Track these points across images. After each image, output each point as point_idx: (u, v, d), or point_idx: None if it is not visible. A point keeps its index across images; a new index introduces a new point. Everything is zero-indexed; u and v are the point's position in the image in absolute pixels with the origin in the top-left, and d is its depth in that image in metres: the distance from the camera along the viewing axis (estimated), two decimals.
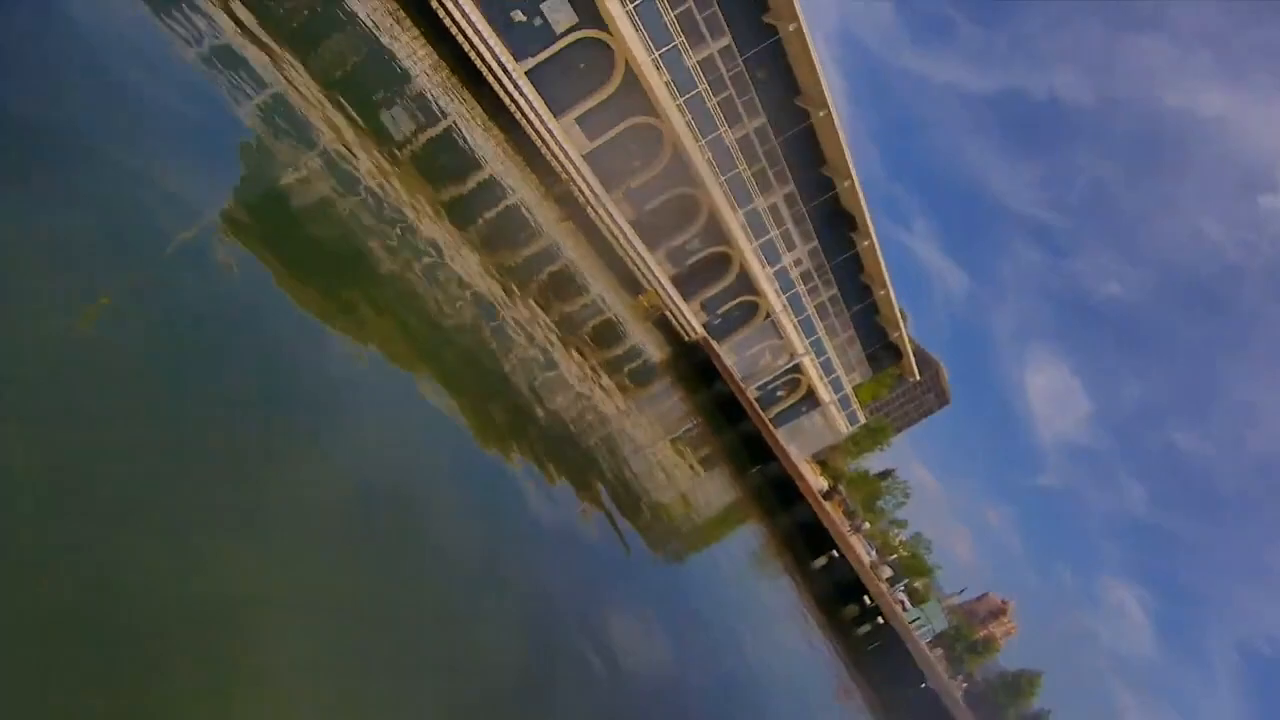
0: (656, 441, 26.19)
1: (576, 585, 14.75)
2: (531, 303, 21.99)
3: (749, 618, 24.24)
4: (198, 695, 6.85)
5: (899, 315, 52.33)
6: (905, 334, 54.28)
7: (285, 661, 7.98)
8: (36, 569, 6.13)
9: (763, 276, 42.15)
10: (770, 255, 42.35)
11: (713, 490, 31.02)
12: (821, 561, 35.57)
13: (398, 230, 16.26)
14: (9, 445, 6.26)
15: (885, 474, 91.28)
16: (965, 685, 67.22)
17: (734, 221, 38.87)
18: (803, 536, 34.51)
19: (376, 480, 11.07)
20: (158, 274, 9.50)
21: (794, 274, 45.00)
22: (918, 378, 63.48)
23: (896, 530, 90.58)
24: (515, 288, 21.27)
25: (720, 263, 41.68)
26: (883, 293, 49.89)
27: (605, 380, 24.65)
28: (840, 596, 34.63)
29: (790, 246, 45.10)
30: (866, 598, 34.57)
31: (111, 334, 8.19)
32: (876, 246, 46.24)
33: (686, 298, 40.34)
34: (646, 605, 17.23)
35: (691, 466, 28.67)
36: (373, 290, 14.49)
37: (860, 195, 42.90)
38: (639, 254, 34.33)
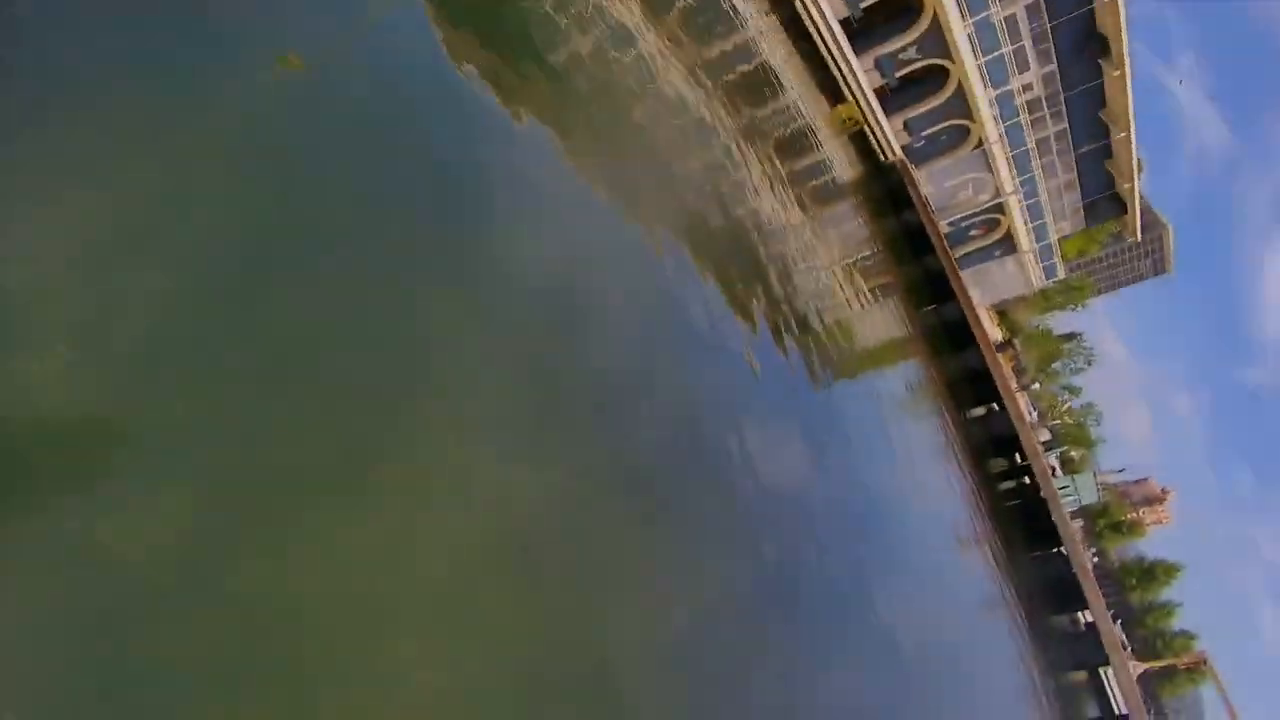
0: (832, 263, 25.43)
1: (729, 388, 15.23)
2: (721, 101, 21.04)
3: (896, 448, 24.36)
4: (405, 423, 7.91)
5: (1135, 164, 45.60)
6: (1137, 187, 47.50)
7: (465, 401, 8.99)
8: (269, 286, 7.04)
9: (983, 99, 37.60)
10: (996, 75, 37.48)
11: (881, 321, 30.18)
12: (980, 411, 34.59)
13: (588, 10, 15.72)
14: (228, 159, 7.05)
15: (1070, 336, 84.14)
16: (1096, 559, 65.35)
17: (961, 30, 34.29)
18: (966, 383, 33.40)
19: (552, 264, 11.60)
20: (357, 33, 9.79)
21: (1020, 100, 39.81)
22: (1138, 239, 56.38)
23: (1068, 396, 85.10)
24: (707, 83, 20.33)
25: (935, 77, 37.43)
26: (1122, 135, 43.23)
27: (788, 192, 23.75)
28: (992, 448, 33.89)
29: (1022, 68, 39.50)
30: (1018, 455, 33.63)
31: (310, 89, 8.65)
32: (1128, 79, 39.61)
33: (889, 114, 37.02)
34: (796, 417, 17.64)
35: (864, 293, 27.83)
36: (560, 72, 14.36)
37: (1122, 13, 36.30)
38: (845, 58, 31.43)
